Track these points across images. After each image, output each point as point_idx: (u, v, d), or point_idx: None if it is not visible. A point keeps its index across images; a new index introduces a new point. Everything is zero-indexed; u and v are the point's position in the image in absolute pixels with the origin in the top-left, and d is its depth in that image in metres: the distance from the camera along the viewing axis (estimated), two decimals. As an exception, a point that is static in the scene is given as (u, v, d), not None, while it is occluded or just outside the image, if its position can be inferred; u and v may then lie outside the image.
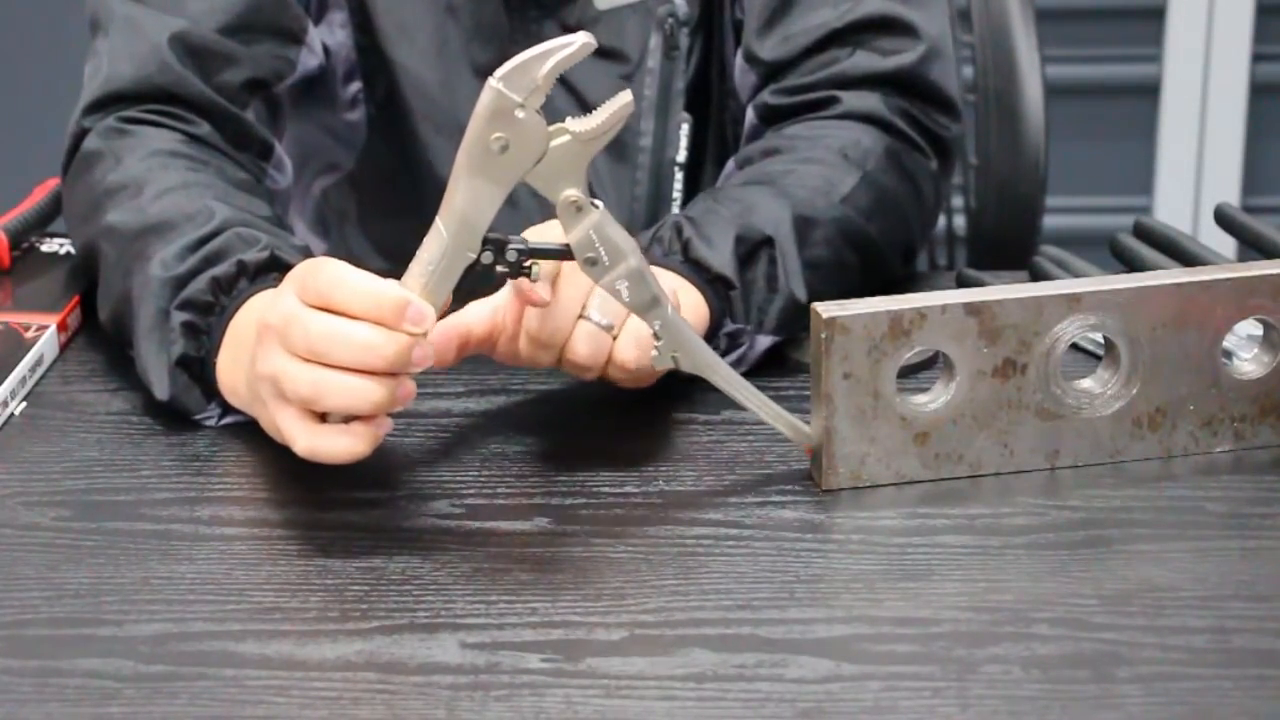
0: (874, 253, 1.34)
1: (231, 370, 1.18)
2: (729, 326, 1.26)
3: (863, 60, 1.38)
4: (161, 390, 1.21)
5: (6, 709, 0.96)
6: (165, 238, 1.23)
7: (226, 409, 1.21)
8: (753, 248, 1.26)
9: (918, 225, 1.40)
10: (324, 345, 1.05)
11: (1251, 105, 2.84)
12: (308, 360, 1.06)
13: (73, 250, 1.39)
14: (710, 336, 1.24)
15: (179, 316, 1.20)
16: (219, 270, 1.21)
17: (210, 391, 1.21)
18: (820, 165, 1.33)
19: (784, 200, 1.29)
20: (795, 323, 1.27)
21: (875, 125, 1.37)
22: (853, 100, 1.37)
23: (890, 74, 1.38)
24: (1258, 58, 2.83)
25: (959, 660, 0.99)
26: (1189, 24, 2.81)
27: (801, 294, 1.27)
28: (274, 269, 1.21)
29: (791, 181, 1.31)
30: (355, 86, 1.46)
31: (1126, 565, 1.07)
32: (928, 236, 1.45)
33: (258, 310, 1.15)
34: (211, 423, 1.22)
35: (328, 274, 1.06)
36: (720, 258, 1.25)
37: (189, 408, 1.22)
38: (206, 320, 1.20)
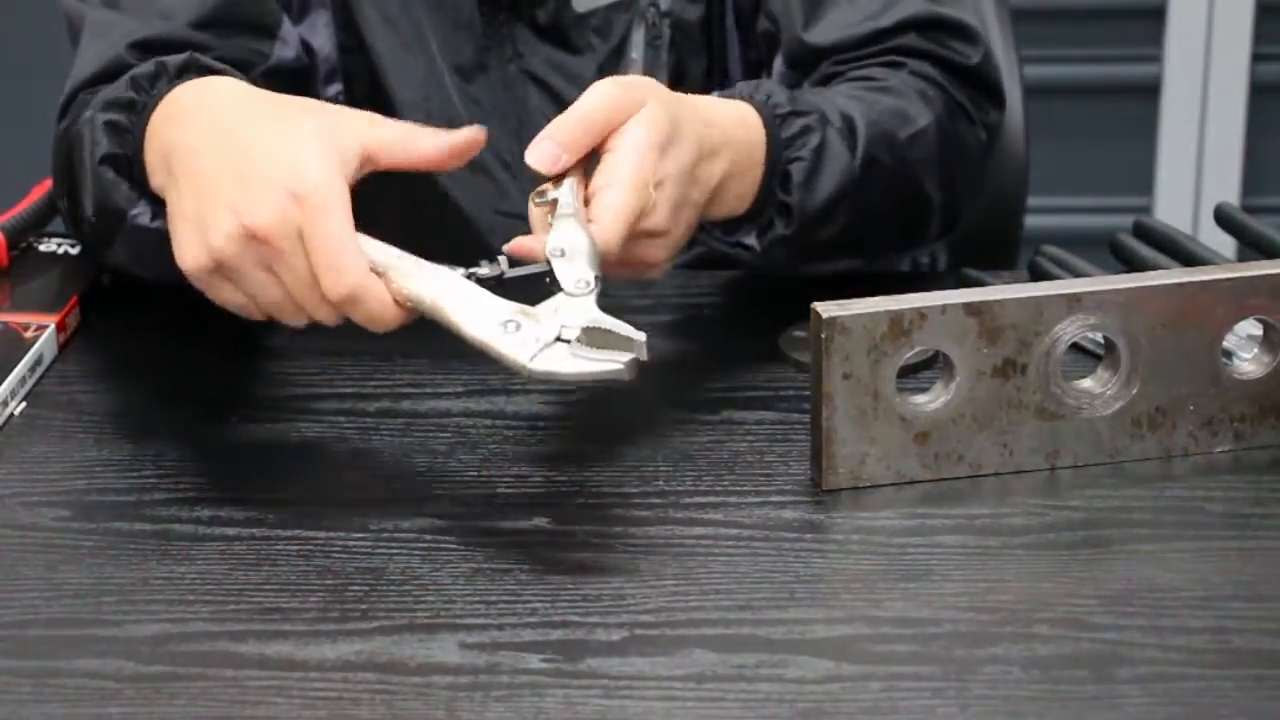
0: (921, 203, 1.35)
1: (157, 145, 1.17)
2: (749, 239, 1.26)
3: (925, 44, 1.38)
4: (89, 201, 1.20)
5: (6, 709, 0.96)
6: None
7: (158, 208, 1.19)
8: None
9: (965, 189, 1.39)
10: (283, 275, 1.07)
11: (1251, 105, 2.84)
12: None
13: (70, 224, 1.36)
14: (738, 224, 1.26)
15: (101, 117, 1.20)
16: (137, 70, 1.21)
17: (141, 189, 1.20)
18: (897, 97, 1.34)
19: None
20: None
21: (939, 88, 1.37)
22: (916, 66, 1.37)
23: (953, 65, 1.39)
24: (1258, 58, 2.83)
25: (959, 660, 0.99)
26: (1189, 24, 2.81)
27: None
28: (193, 71, 1.21)
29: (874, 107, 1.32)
30: (335, 89, 1.46)
31: (1126, 565, 1.07)
32: (972, 207, 1.44)
33: (194, 93, 1.17)
34: (144, 221, 1.20)
35: (332, 233, 1.06)
36: (811, 203, 1.26)
37: (118, 204, 1.20)
38: (129, 118, 1.20)
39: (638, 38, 1.45)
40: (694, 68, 1.46)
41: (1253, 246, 1.36)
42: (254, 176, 1.09)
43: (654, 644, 1.00)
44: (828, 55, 1.39)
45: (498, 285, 1.09)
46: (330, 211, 1.07)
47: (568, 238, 1.09)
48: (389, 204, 1.52)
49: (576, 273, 1.08)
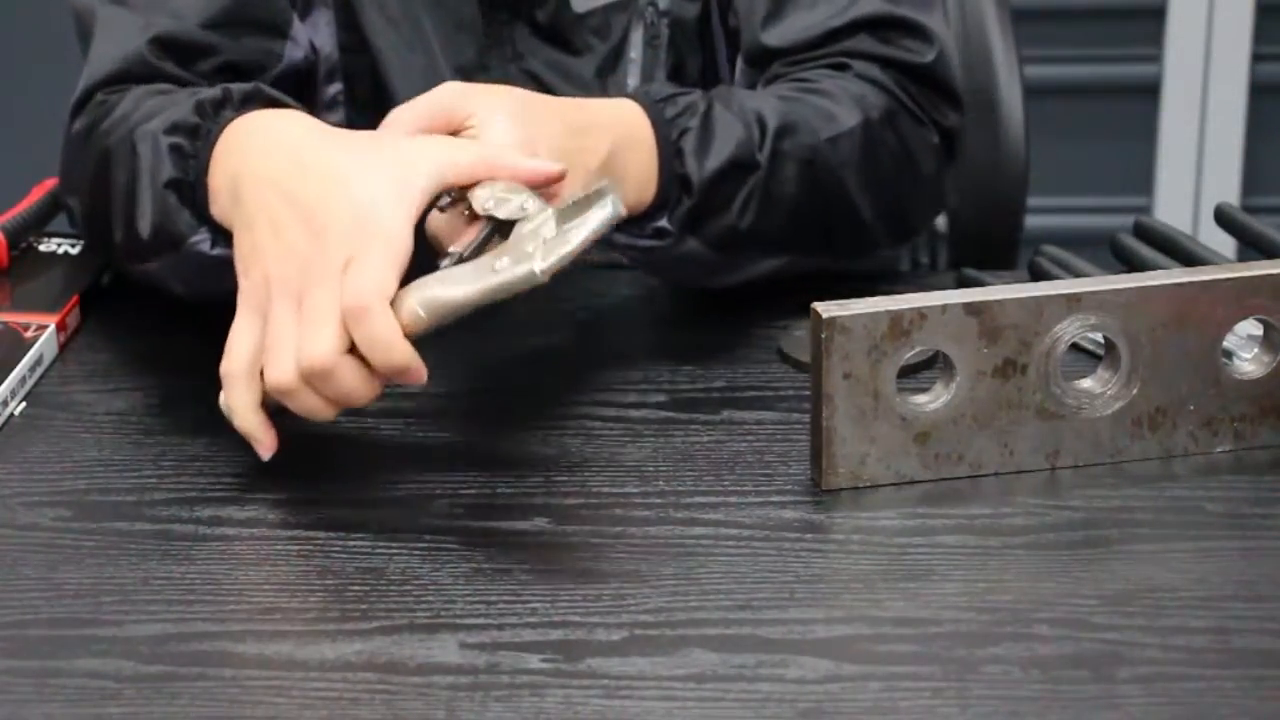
0: (845, 205, 1.34)
1: (223, 171, 1.18)
2: (661, 222, 1.27)
3: (874, 45, 1.38)
4: (146, 222, 1.21)
5: (6, 709, 0.96)
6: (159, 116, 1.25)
7: (217, 235, 1.20)
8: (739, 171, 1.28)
9: (910, 195, 1.39)
10: (320, 373, 1.08)
11: (1251, 105, 2.84)
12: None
13: (77, 221, 1.36)
14: (642, 218, 1.26)
15: (166, 140, 1.20)
16: (204, 95, 1.22)
17: (202, 216, 1.20)
18: (825, 98, 1.34)
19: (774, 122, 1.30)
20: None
21: (882, 90, 1.37)
22: (862, 68, 1.38)
23: (903, 64, 1.38)
24: (1258, 58, 2.83)
25: (959, 660, 0.99)
26: (1189, 24, 2.81)
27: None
28: (258, 100, 1.22)
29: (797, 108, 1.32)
30: (336, 88, 1.46)
31: (1126, 565, 1.07)
32: (925, 214, 1.44)
33: (266, 122, 1.18)
34: (204, 249, 1.21)
35: (381, 327, 1.06)
36: (707, 169, 1.26)
37: (180, 231, 1.21)
38: (194, 144, 1.20)
39: (636, 38, 1.45)
40: (691, 66, 1.47)
41: (1253, 246, 1.36)
42: (325, 218, 1.10)
43: (654, 644, 1.00)
44: (781, 56, 1.39)
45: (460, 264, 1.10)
46: (386, 260, 1.08)
47: (489, 190, 1.11)
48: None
49: (515, 207, 1.09)
